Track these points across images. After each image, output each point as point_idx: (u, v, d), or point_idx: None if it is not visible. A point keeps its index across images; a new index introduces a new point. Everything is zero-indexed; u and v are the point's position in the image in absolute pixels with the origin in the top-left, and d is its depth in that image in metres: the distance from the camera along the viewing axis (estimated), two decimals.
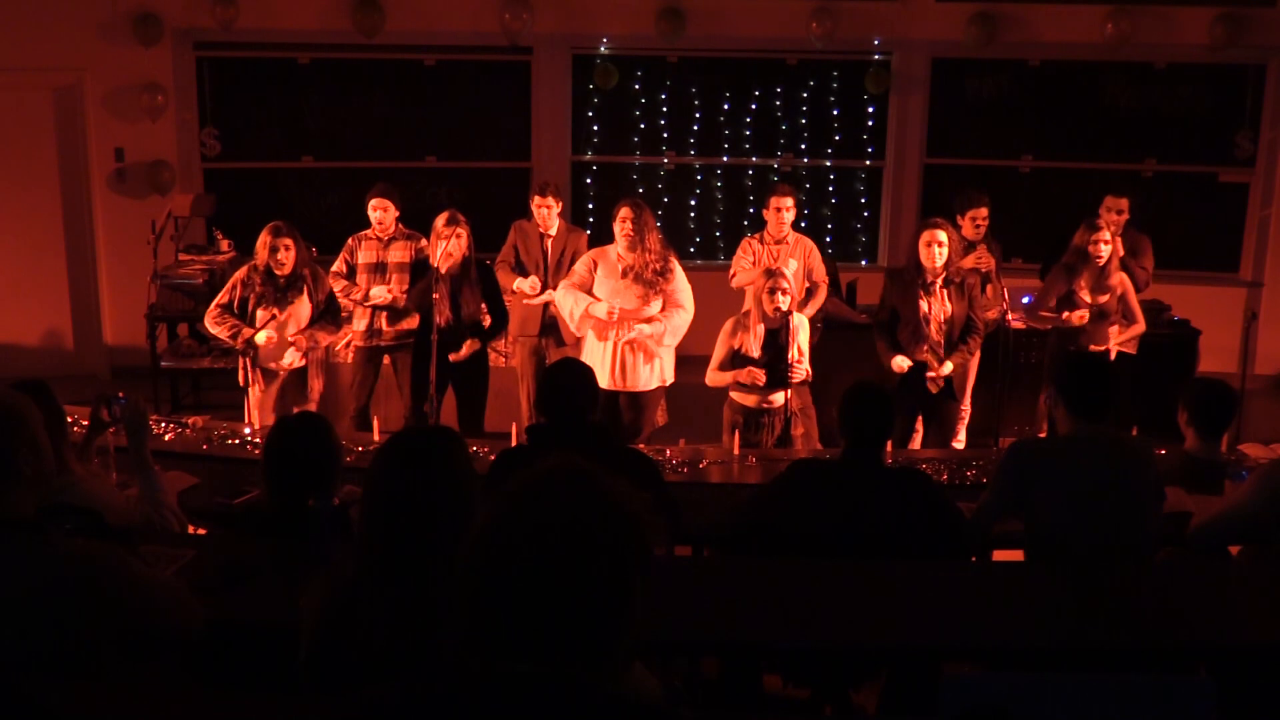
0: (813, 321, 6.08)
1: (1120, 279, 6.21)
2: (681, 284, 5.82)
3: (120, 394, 3.87)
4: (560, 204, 6.53)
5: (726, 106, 8.76)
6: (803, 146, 8.83)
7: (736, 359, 5.40)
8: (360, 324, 6.26)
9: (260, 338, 5.62)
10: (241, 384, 5.75)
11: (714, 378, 5.51)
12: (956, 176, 8.39)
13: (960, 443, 6.26)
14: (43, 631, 2.26)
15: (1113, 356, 6.16)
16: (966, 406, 6.23)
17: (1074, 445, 3.70)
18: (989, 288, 6.44)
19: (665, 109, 8.77)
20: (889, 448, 4.58)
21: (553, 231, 6.49)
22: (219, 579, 3.15)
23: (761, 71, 8.70)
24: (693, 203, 8.93)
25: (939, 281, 5.77)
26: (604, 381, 5.61)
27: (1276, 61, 8.43)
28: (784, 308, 5.34)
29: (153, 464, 3.76)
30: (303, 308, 5.74)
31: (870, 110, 8.76)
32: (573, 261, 6.25)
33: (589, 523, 1.50)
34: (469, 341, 5.87)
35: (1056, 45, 8.44)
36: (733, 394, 5.50)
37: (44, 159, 8.20)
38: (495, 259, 6.51)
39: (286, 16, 8.20)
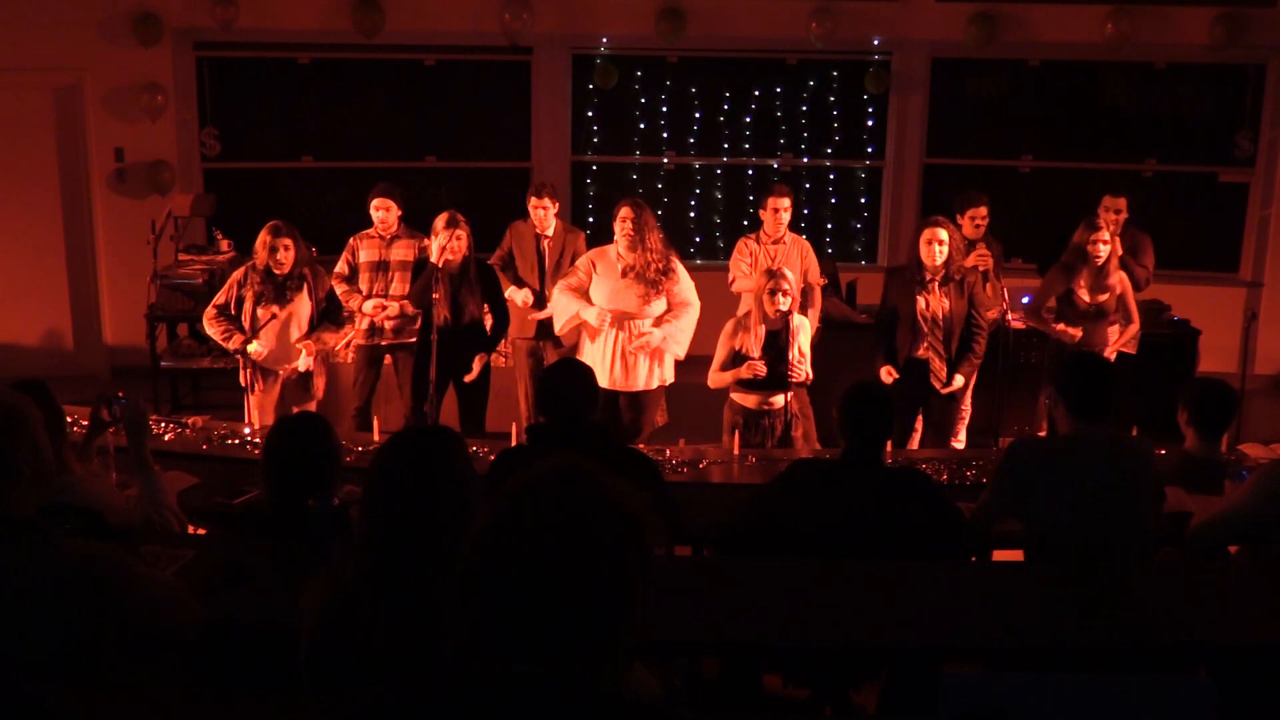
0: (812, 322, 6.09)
1: (1120, 278, 6.20)
2: (685, 282, 5.83)
3: (120, 394, 3.87)
4: (557, 205, 6.52)
5: (726, 106, 8.76)
6: (802, 146, 8.83)
7: (738, 360, 5.39)
8: (363, 323, 6.26)
9: (252, 348, 5.61)
10: (243, 384, 5.74)
11: (715, 379, 5.51)
12: (956, 176, 8.39)
13: (960, 443, 6.26)
14: (43, 631, 2.26)
15: (1112, 357, 6.15)
16: (966, 406, 6.23)
17: (1074, 445, 3.70)
18: (988, 287, 6.44)
19: (665, 109, 8.77)
20: (889, 448, 4.57)
21: (550, 232, 6.49)
22: (219, 579, 3.15)
23: (761, 71, 8.70)
24: (693, 203, 8.94)
25: (938, 279, 5.77)
26: (604, 382, 5.61)
27: (1276, 61, 8.43)
28: (785, 309, 5.34)
29: (153, 464, 3.76)
30: (303, 307, 5.74)
31: (870, 110, 8.76)
32: (572, 262, 6.25)
33: (589, 523, 1.50)
34: (478, 357, 5.90)
35: (1056, 45, 8.44)
36: (733, 395, 5.50)
37: (44, 159, 8.21)
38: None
39: (286, 16, 8.20)
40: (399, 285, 6.16)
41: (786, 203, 6.48)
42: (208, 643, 2.64)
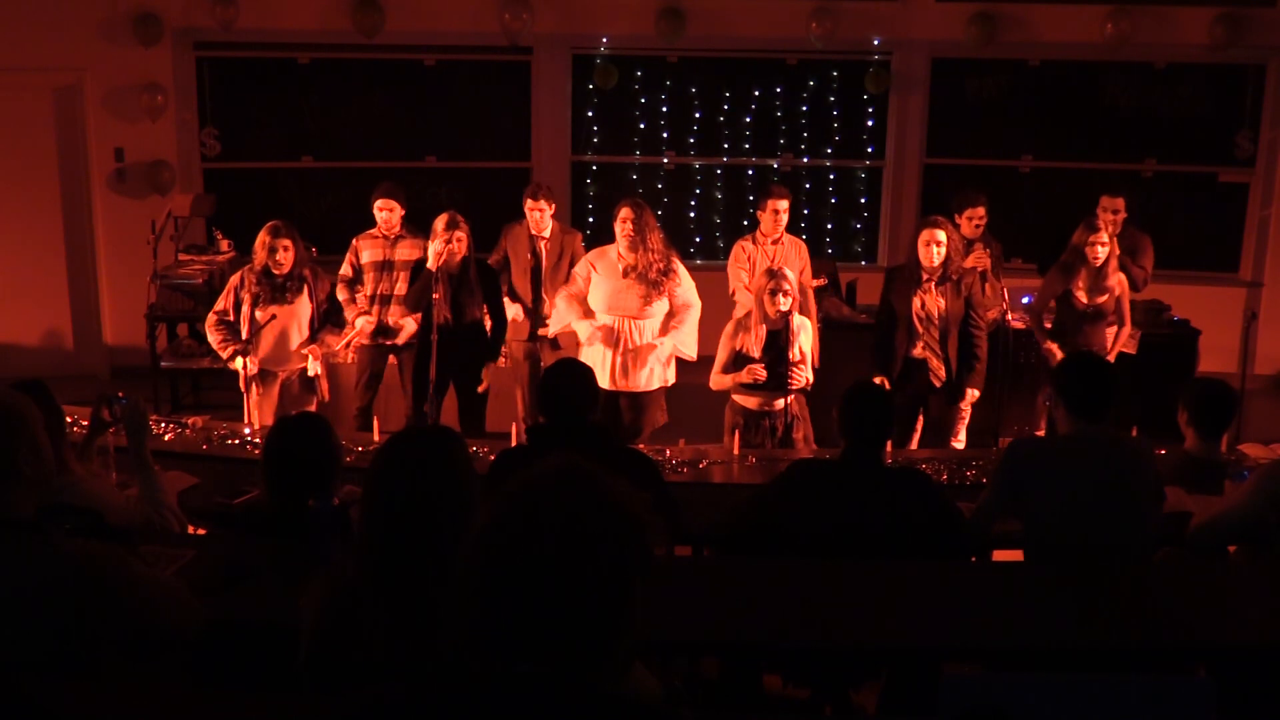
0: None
1: (1119, 280, 6.19)
2: (686, 282, 5.84)
3: (120, 394, 3.86)
4: (554, 206, 6.50)
5: (726, 106, 8.76)
6: (802, 146, 8.83)
7: (738, 360, 5.39)
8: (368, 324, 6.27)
9: (238, 364, 5.61)
10: (241, 388, 5.74)
11: (717, 380, 5.50)
12: (956, 176, 8.39)
13: (960, 443, 6.26)
14: (43, 631, 2.26)
15: (1112, 359, 6.15)
16: (966, 406, 6.23)
17: (1073, 445, 3.70)
18: (987, 287, 6.43)
19: (665, 109, 8.77)
20: (889, 448, 4.57)
21: (546, 233, 6.47)
22: (219, 579, 3.15)
23: (761, 71, 8.70)
24: (693, 203, 8.93)
25: (935, 279, 5.77)
26: (604, 382, 5.61)
27: (1276, 61, 8.43)
28: (785, 309, 5.33)
29: (153, 464, 3.76)
30: (304, 308, 5.74)
31: (870, 110, 8.76)
32: (571, 264, 6.25)
33: (589, 523, 1.50)
34: (486, 369, 5.91)
35: (1056, 45, 8.44)
36: (734, 396, 5.50)
37: (44, 159, 8.21)
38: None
39: (286, 16, 8.20)
40: (404, 285, 6.15)
41: (785, 204, 6.48)
42: (208, 643, 2.64)
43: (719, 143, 8.82)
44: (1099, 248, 6.07)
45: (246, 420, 5.50)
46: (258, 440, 4.90)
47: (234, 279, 5.76)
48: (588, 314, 5.83)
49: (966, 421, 6.35)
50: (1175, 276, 7.90)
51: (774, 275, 5.37)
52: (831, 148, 8.83)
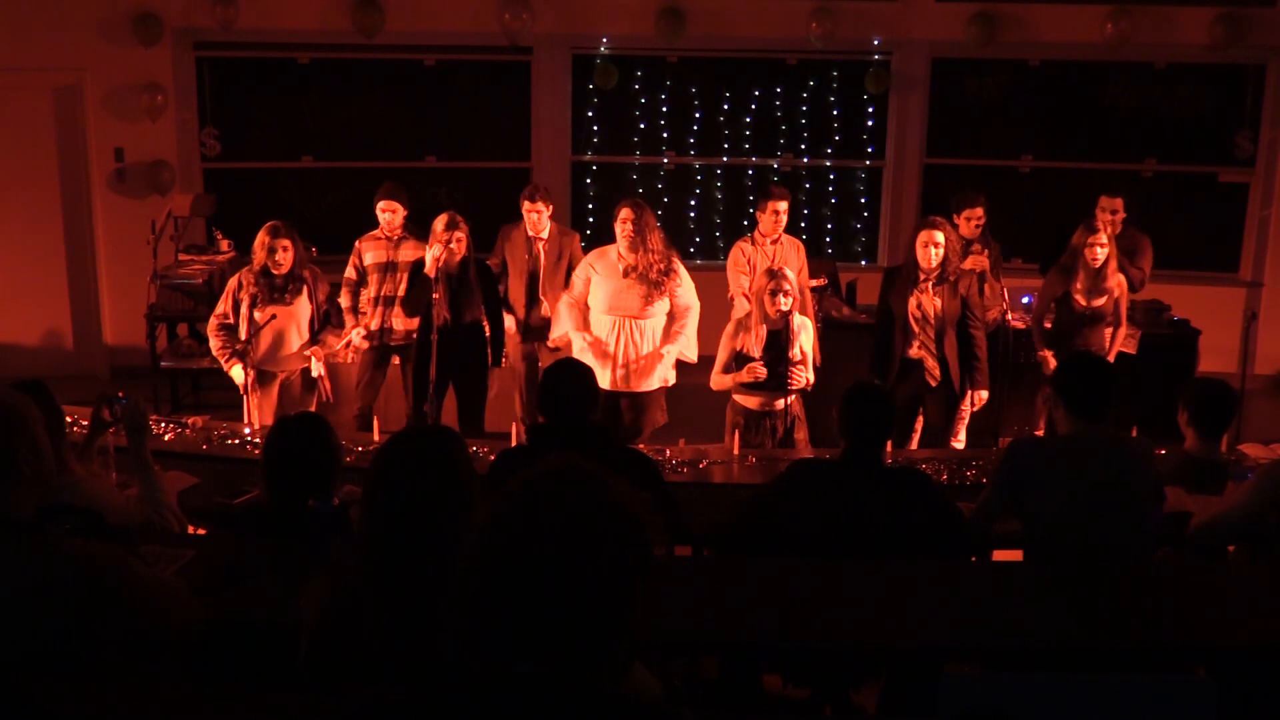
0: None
1: (1118, 282, 6.17)
2: (686, 283, 5.84)
3: (120, 394, 3.86)
4: (551, 207, 6.49)
5: (726, 106, 8.76)
6: (803, 146, 8.83)
7: (739, 360, 5.39)
8: (372, 324, 6.26)
9: (236, 374, 5.61)
10: (242, 391, 5.73)
11: (718, 381, 5.50)
12: (956, 176, 8.39)
13: (960, 443, 6.26)
14: (43, 631, 2.26)
15: (1111, 359, 6.15)
16: (966, 406, 6.23)
17: (1073, 445, 3.70)
18: (986, 287, 6.44)
19: (665, 109, 8.76)
20: (889, 448, 4.57)
21: (544, 235, 6.46)
22: (219, 579, 3.15)
23: (761, 71, 8.70)
24: (693, 203, 8.93)
25: (932, 279, 5.77)
26: (605, 382, 5.61)
27: (1276, 61, 8.43)
28: (786, 309, 5.33)
29: (153, 464, 3.76)
30: (303, 308, 5.73)
31: (870, 110, 8.76)
32: (569, 265, 6.25)
33: (589, 523, 1.50)
34: (493, 373, 5.93)
35: (1056, 45, 8.44)
36: (735, 396, 5.50)
37: (44, 159, 8.21)
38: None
39: (286, 16, 8.20)
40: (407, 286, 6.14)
41: (785, 205, 6.49)
42: (208, 643, 2.64)
43: (719, 143, 8.81)
44: (1098, 249, 6.06)
45: (246, 420, 5.49)
46: (258, 440, 4.90)
47: (232, 282, 5.74)
48: (587, 323, 5.85)
49: (966, 421, 6.35)
50: (1175, 276, 7.91)
51: (774, 275, 5.37)
52: (831, 148, 8.83)
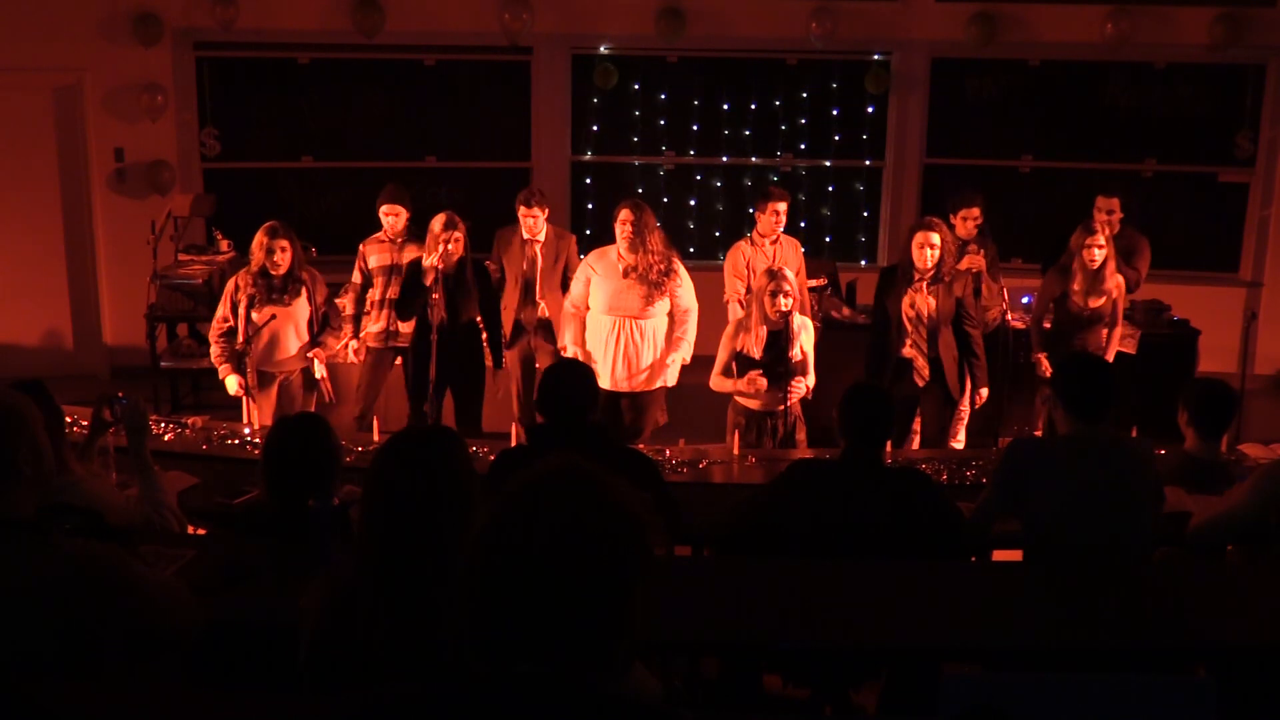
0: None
1: (1117, 283, 6.15)
2: (686, 284, 5.84)
3: (120, 394, 3.86)
4: (547, 210, 6.45)
5: (726, 106, 8.76)
6: (802, 147, 8.83)
7: (739, 360, 5.39)
8: (375, 325, 6.25)
9: (231, 385, 5.61)
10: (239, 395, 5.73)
11: (717, 382, 5.50)
12: (956, 176, 8.38)
13: (960, 443, 6.26)
14: (43, 631, 2.26)
15: (1110, 359, 6.15)
16: (965, 406, 6.23)
17: (1072, 445, 3.70)
18: (984, 288, 6.43)
19: (665, 109, 8.76)
20: (889, 448, 4.57)
21: (541, 238, 6.43)
22: (219, 579, 3.15)
23: (761, 71, 8.70)
24: (692, 203, 8.93)
25: (926, 280, 5.76)
26: (605, 382, 5.61)
27: (1276, 61, 8.43)
28: (786, 309, 5.33)
29: (153, 464, 3.76)
30: (301, 309, 5.72)
31: (870, 110, 8.76)
32: (566, 267, 6.25)
33: (589, 523, 1.50)
34: (496, 380, 5.91)
35: (1056, 45, 8.44)
36: (737, 396, 5.50)
37: (44, 159, 8.20)
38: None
39: (286, 16, 8.20)
40: None
41: (785, 205, 6.48)
42: (208, 643, 2.64)
43: (719, 143, 8.81)
44: (1095, 250, 6.04)
45: (246, 420, 5.50)
46: (258, 440, 4.90)
47: (229, 284, 5.72)
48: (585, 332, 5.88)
49: (966, 421, 6.36)
50: (1175, 276, 7.90)
51: (774, 275, 5.37)
52: (831, 148, 8.83)
